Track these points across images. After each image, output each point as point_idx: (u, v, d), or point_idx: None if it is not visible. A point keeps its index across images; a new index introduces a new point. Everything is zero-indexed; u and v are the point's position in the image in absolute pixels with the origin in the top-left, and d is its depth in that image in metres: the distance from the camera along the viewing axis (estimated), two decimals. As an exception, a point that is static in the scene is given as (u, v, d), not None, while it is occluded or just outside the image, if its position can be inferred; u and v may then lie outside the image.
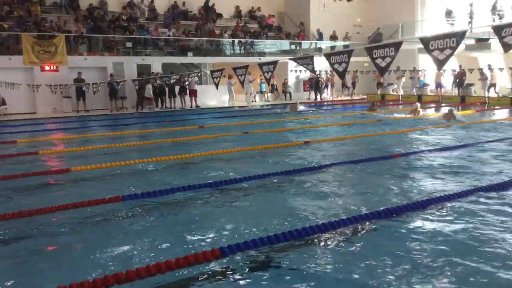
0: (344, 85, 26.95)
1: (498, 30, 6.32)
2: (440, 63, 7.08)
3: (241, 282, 3.57)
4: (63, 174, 7.44)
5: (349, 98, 26.98)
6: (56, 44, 19.85)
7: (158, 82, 21.09)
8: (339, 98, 26.72)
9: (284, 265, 3.81)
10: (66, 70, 20.20)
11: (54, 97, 19.87)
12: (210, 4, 28.24)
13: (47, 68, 19.94)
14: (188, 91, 22.08)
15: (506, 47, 6.18)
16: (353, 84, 27.10)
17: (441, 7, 26.41)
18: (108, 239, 4.50)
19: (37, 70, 19.77)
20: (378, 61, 8.11)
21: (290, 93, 26.13)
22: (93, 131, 13.74)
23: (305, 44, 28.27)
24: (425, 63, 25.59)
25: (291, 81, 26.62)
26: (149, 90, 21.12)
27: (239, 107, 22.79)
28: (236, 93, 24.73)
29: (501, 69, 21.29)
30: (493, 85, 21.67)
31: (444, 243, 4.16)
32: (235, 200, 5.77)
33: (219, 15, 28.59)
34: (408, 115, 15.32)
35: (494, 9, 22.94)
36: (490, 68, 21.45)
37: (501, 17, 22.56)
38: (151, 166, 7.97)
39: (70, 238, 4.64)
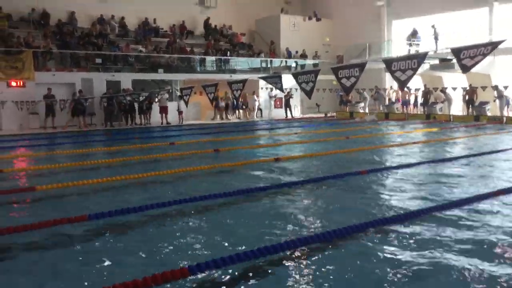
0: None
1: (456, 52, 6.59)
2: (402, 83, 7.33)
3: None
4: (28, 192, 7.29)
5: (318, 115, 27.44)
6: (23, 59, 19.56)
7: (128, 98, 20.95)
8: (308, 116, 27.12)
9: (253, 283, 3.84)
10: (33, 86, 19.85)
11: (21, 114, 19.49)
12: (180, 21, 28.41)
13: (13, 84, 19.58)
14: (159, 108, 22.09)
15: (464, 68, 6.46)
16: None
17: (407, 28, 27.28)
18: (73, 259, 4.43)
19: (3, 86, 19.36)
20: (344, 80, 8.31)
21: (261, 110, 26.36)
22: (61, 148, 13.50)
23: (276, 62, 28.67)
24: (392, 82, 26.27)
25: (262, 98, 26.84)
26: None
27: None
28: (206, 109, 24.86)
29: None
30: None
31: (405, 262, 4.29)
32: (205, 218, 5.76)
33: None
34: None
35: None
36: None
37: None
38: (119, 184, 7.88)
39: (34, 258, 4.54)
